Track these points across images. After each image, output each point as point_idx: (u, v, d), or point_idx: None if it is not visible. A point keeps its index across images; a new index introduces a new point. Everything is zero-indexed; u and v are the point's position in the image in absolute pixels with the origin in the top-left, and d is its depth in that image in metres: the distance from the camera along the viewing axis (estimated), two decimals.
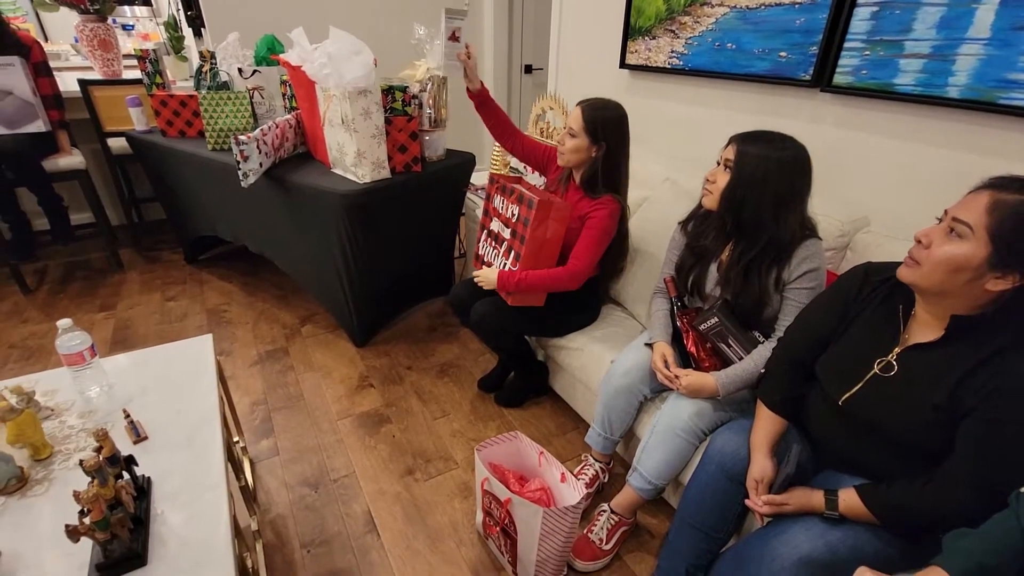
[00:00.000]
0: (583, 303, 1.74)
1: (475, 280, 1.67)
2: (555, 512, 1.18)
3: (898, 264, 0.94)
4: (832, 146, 1.61)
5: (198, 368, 1.27)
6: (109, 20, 2.78)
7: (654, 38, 2.07)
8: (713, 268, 1.36)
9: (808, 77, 1.59)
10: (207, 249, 3.05)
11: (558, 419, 1.91)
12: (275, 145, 2.00)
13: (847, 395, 1.01)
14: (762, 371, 1.22)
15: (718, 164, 1.27)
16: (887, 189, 1.52)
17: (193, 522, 0.89)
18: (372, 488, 1.60)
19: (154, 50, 2.41)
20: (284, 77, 2.28)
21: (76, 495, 0.78)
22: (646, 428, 1.39)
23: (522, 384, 1.96)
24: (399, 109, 1.95)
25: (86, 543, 0.80)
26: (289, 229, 2.15)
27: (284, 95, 2.33)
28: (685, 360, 1.39)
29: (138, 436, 1.05)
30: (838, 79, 1.52)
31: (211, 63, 2.25)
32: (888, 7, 1.38)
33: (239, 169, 1.83)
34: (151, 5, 3.87)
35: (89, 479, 0.80)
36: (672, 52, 2.02)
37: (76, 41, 3.05)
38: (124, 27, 3.81)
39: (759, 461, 1.07)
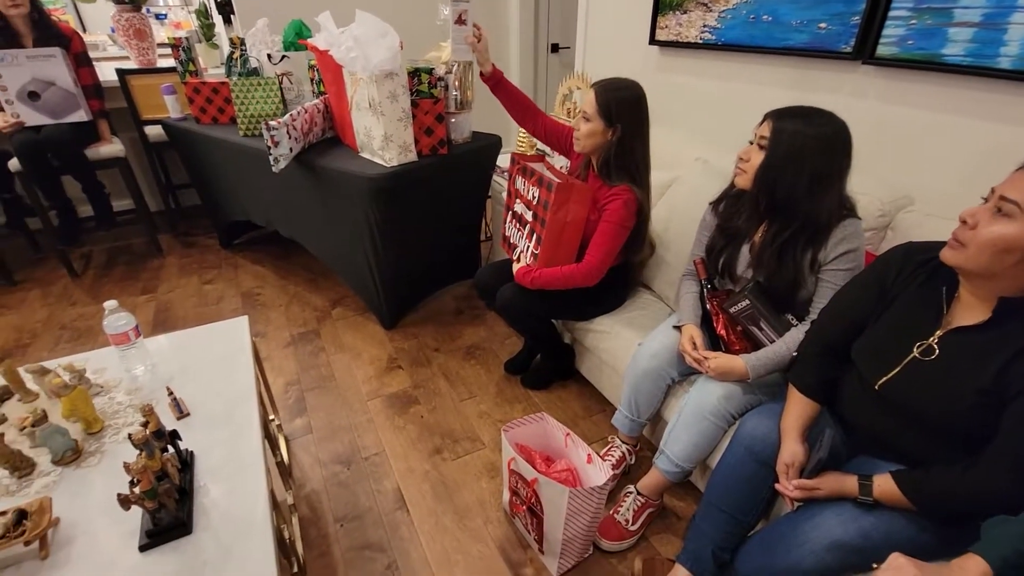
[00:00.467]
0: (609, 289, 1.72)
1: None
2: (581, 492, 1.19)
3: (941, 243, 0.91)
4: (874, 121, 1.54)
5: (235, 349, 1.31)
6: (143, 10, 2.84)
7: (685, 12, 2.01)
8: (745, 249, 1.33)
9: (849, 49, 1.52)
10: (241, 234, 3.13)
11: (584, 401, 1.91)
12: (304, 130, 2.03)
13: (884, 379, 0.98)
14: (794, 354, 1.19)
15: (751, 143, 1.24)
16: (931, 166, 1.45)
17: (233, 495, 0.94)
18: (402, 466, 1.64)
19: (186, 38, 2.45)
20: (312, 62, 2.29)
21: (126, 466, 0.82)
22: (673, 411, 1.38)
23: (548, 367, 1.96)
24: (425, 91, 1.94)
25: (136, 511, 0.85)
26: (319, 213, 2.19)
27: (312, 80, 2.35)
28: (715, 343, 1.37)
29: (181, 412, 1.10)
30: (881, 50, 1.45)
31: (241, 49, 2.28)
32: None
33: (270, 154, 1.86)
34: None
35: (137, 452, 0.84)
36: (704, 26, 1.95)
37: (112, 31, 3.12)
38: (157, 16, 3.88)
39: (790, 445, 1.06)
